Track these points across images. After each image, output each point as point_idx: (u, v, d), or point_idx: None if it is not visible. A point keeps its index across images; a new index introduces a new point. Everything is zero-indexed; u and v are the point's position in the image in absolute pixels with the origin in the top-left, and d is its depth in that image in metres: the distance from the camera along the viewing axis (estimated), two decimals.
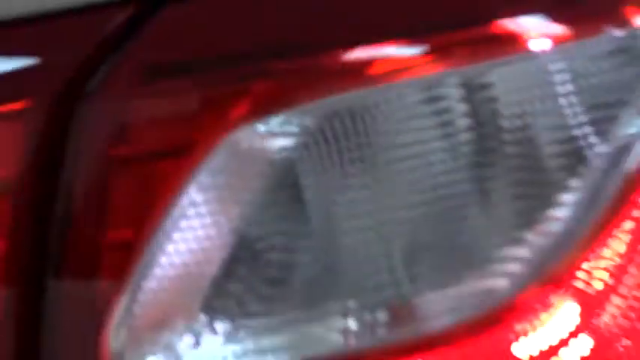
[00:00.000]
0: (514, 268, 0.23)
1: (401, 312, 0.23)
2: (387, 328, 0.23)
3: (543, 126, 0.24)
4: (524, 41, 0.26)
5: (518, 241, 0.23)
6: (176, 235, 0.23)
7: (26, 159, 0.24)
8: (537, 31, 0.25)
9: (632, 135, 0.24)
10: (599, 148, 0.24)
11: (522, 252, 0.23)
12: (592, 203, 0.24)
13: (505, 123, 0.24)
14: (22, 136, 0.24)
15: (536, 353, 0.23)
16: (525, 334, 0.23)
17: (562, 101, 0.25)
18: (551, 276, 0.23)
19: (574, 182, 0.24)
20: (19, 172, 0.24)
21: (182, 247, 0.23)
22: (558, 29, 0.26)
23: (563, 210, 0.23)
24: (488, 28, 0.26)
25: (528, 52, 0.26)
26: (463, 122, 0.24)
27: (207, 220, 0.23)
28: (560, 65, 0.25)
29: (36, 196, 0.24)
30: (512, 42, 0.26)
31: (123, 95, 0.24)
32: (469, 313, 0.23)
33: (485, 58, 0.25)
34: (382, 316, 0.23)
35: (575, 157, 0.24)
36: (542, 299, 0.23)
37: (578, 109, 0.24)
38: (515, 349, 0.23)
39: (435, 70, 0.25)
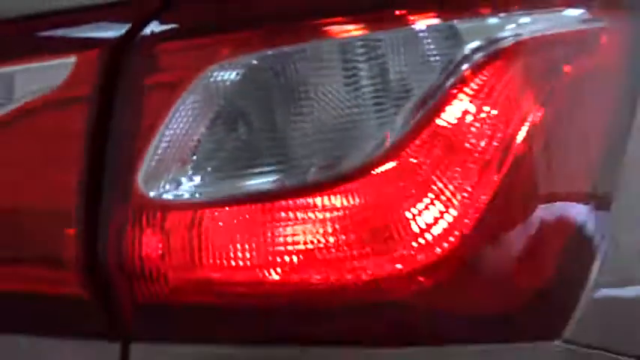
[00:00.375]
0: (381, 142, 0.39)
1: (325, 161, 0.39)
2: (315, 169, 0.39)
3: (406, 63, 0.40)
4: (412, 21, 0.41)
5: (383, 126, 0.39)
6: (173, 121, 0.39)
7: (97, 83, 0.41)
8: (418, 16, 0.41)
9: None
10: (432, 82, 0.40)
11: (385, 133, 0.38)
12: (416, 114, 0.39)
13: (388, 66, 0.40)
14: (96, 70, 0.41)
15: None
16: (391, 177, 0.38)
17: (422, 54, 0.40)
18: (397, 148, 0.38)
19: (410, 102, 0.39)
20: (93, 90, 0.40)
21: (177, 128, 0.39)
22: (432, 18, 0.41)
23: (406, 113, 0.39)
24: (392, 12, 0.41)
25: (411, 27, 0.41)
26: (364, 67, 0.40)
27: (190, 113, 0.39)
28: (425, 34, 0.41)
29: (102, 104, 0.40)
30: (404, 20, 0.41)
31: (152, 47, 0.41)
32: (359, 162, 0.39)
33: (385, 29, 0.41)
34: (315, 162, 0.39)
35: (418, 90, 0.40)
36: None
37: (427, 60, 0.40)
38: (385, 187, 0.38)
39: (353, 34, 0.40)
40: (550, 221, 0.43)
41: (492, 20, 0.43)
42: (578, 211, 0.45)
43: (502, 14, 0.44)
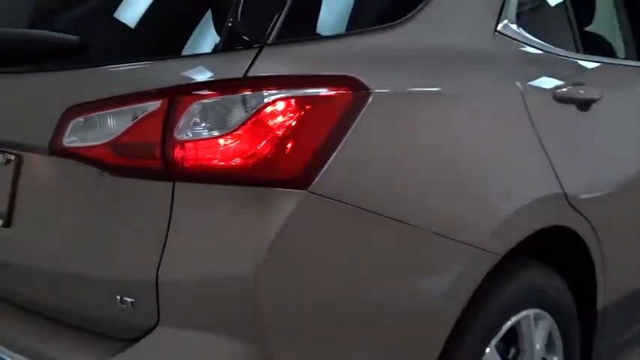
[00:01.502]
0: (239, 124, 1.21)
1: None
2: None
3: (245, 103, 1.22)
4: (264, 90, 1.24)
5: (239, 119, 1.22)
6: (182, 121, 1.20)
7: (166, 110, 1.25)
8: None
9: None
10: None
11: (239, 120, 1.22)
12: (246, 117, 1.22)
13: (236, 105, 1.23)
14: (165, 106, 1.26)
15: None
16: None
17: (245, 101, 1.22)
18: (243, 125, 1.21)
19: (246, 114, 1.21)
20: (165, 109, 1.25)
21: (185, 122, 1.21)
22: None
23: (242, 116, 1.21)
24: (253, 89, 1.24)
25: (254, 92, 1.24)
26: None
27: (185, 119, 1.20)
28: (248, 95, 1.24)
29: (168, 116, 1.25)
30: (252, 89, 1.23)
31: (176, 96, 1.22)
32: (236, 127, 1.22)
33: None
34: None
35: None
36: None
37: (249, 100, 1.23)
38: None
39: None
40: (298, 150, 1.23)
41: (265, 92, 1.22)
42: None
43: (274, 89, 1.23)
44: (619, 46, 2.23)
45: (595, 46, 2.08)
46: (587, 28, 2.21)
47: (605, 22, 2.23)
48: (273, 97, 1.22)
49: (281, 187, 1.21)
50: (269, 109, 1.21)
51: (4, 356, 1.41)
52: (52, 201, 1.40)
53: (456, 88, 1.45)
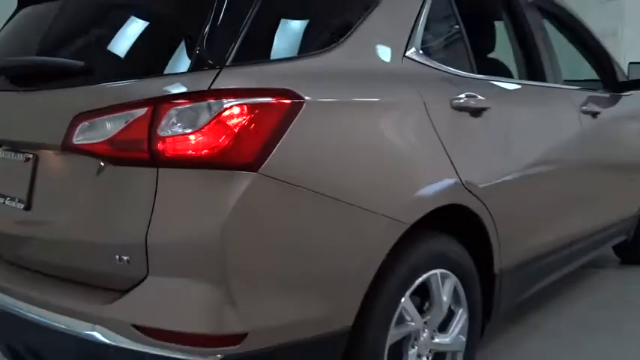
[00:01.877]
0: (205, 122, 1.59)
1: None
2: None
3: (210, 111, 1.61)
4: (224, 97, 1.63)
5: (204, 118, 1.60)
6: (164, 120, 1.59)
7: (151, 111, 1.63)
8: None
9: None
10: None
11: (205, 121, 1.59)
12: (210, 118, 1.59)
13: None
14: (152, 110, 1.63)
15: None
16: None
17: (210, 108, 1.61)
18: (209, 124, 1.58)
19: (210, 117, 1.59)
20: (153, 111, 1.62)
21: (169, 121, 1.59)
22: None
23: (208, 116, 1.59)
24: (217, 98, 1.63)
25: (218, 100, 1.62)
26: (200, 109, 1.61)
27: (168, 119, 1.59)
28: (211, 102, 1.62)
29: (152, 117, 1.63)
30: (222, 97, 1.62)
31: (160, 104, 1.62)
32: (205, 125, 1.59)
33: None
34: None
35: None
36: None
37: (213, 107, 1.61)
38: None
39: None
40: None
41: (225, 100, 1.61)
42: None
43: (231, 98, 1.62)
44: (512, 67, 2.68)
45: (489, 68, 2.52)
46: (490, 55, 2.66)
47: (503, 50, 2.68)
48: (230, 104, 1.58)
49: (237, 170, 1.54)
50: (227, 112, 1.57)
51: (21, 310, 1.75)
52: (64, 187, 1.76)
53: (372, 99, 1.86)
